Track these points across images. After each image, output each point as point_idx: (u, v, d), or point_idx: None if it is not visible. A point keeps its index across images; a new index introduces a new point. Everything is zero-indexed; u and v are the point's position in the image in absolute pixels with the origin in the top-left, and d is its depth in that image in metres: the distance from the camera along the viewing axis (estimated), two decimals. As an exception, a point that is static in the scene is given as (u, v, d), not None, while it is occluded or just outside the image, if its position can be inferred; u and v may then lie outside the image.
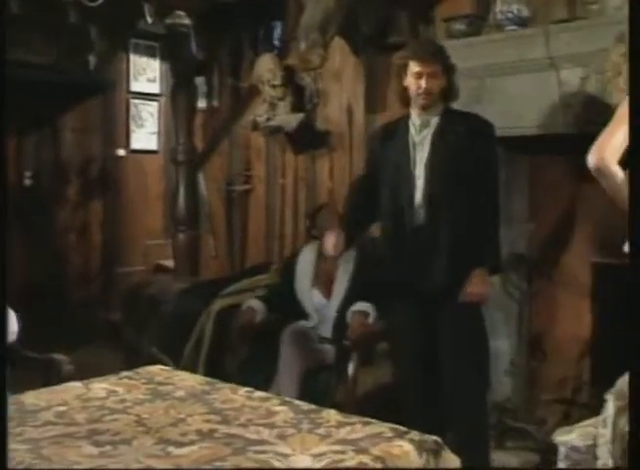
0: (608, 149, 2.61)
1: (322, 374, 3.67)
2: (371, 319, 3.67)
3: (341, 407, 3.07)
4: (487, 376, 3.38)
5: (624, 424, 1.55)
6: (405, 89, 3.27)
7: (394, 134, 3.33)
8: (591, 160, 2.61)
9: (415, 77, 3.19)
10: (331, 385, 3.63)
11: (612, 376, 1.72)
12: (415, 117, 3.29)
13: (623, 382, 1.66)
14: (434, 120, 3.25)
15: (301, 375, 3.59)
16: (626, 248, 1.66)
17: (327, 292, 3.90)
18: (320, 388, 3.60)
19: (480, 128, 3.25)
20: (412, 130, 3.29)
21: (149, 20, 3.92)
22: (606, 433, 1.62)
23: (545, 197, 3.88)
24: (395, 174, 3.28)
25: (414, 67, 3.18)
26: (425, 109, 3.23)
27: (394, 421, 2.15)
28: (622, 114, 2.64)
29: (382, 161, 3.37)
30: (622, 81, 2.85)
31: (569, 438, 1.79)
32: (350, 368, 3.57)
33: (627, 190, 2.51)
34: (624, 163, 2.60)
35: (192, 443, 1.95)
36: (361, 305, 3.70)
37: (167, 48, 5.94)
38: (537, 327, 3.85)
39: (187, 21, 3.94)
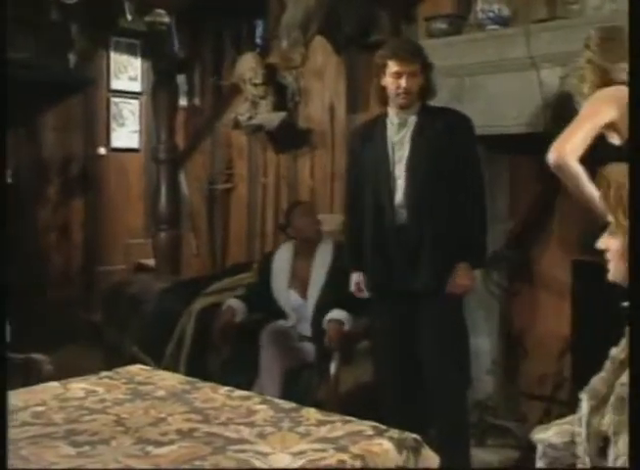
0: (567, 146, 2.69)
1: (304, 373, 3.67)
2: (347, 327, 3.63)
3: (323, 406, 3.08)
4: (468, 373, 3.39)
5: (599, 423, 1.55)
6: (383, 88, 3.27)
7: (373, 134, 3.33)
8: (550, 157, 2.71)
9: (394, 77, 3.19)
10: (313, 384, 3.62)
11: (591, 374, 1.73)
12: (393, 116, 3.29)
13: (597, 380, 1.66)
14: (412, 119, 3.25)
15: (283, 374, 3.59)
16: (600, 244, 1.67)
17: (303, 292, 3.87)
18: (302, 387, 3.60)
19: (459, 123, 3.26)
20: (390, 130, 3.29)
21: (129, 17, 3.90)
22: (582, 431, 1.63)
23: (525, 195, 3.89)
24: (375, 174, 3.28)
25: (393, 66, 3.18)
26: (403, 108, 3.24)
27: (376, 419, 2.15)
28: (584, 114, 2.75)
29: (362, 161, 3.38)
30: (586, 88, 2.87)
31: (546, 435, 1.80)
32: (332, 367, 3.57)
33: (589, 187, 2.64)
34: (584, 160, 2.69)
35: (171, 442, 1.94)
36: (337, 314, 3.64)
37: (149, 46, 5.92)
38: (518, 325, 3.87)
39: (167, 19, 3.92)
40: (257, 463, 1.80)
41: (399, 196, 3.22)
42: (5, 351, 1.86)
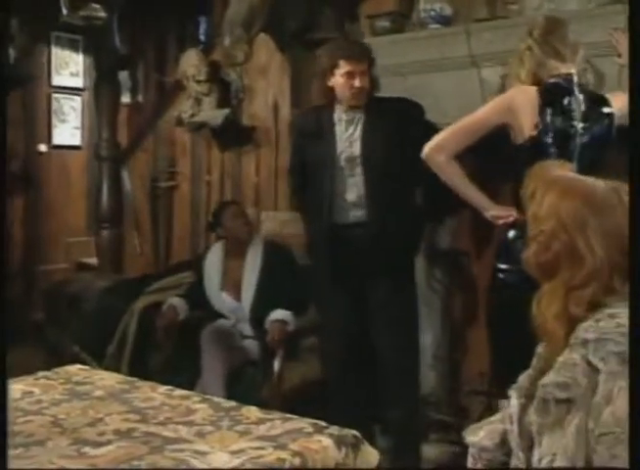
0: (436, 142, 2.85)
1: (247, 371, 3.65)
2: (291, 326, 3.62)
3: (266, 404, 3.08)
4: (418, 356, 3.44)
5: (530, 421, 1.56)
6: (331, 89, 3.26)
7: (317, 129, 3.32)
8: (423, 152, 2.86)
9: (347, 77, 3.18)
10: (256, 382, 3.61)
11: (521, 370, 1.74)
12: (341, 114, 3.28)
13: (524, 378, 1.68)
14: (360, 115, 3.25)
15: (226, 373, 3.55)
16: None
17: (236, 294, 3.83)
18: (245, 385, 3.58)
19: (409, 111, 3.29)
20: (338, 127, 3.28)
21: (64, 11, 3.82)
22: (514, 429, 1.65)
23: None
24: (319, 172, 3.28)
25: (345, 66, 3.17)
26: (355, 107, 3.24)
27: (321, 416, 2.16)
28: (475, 114, 2.87)
29: (305, 156, 3.37)
30: (523, 74, 2.92)
31: (477, 438, 1.81)
32: (276, 364, 3.56)
33: (463, 183, 2.85)
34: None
35: (109, 442, 1.92)
36: (280, 314, 3.63)
37: (90, 41, 5.83)
38: (459, 321, 3.91)
39: (102, 13, 3.85)
40: (195, 462, 1.79)
41: (353, 194, 3.22)
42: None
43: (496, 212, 2.84)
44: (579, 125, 2.76)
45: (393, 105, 3.29)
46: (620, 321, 1.46)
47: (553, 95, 2.78)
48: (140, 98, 5.63)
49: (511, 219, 2.77)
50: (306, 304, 3.81)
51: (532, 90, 2.78)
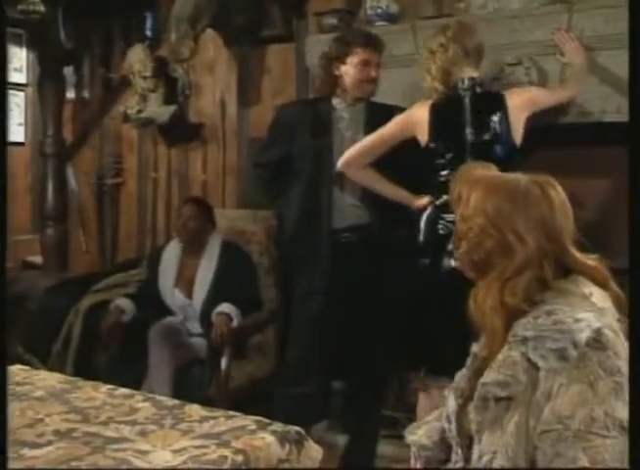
0: (346, 159, 3.09)
1: (194, 369, 3.63)
2: (235, 322, 3.62)
3: (213, 402, 3.07)
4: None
5: (469, 420, 1.57)
6: (336, 78, 3.23)
7: (312, 124, 3.27)
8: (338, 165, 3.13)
9: (362, 65, 3.17)
10: (204, 380, 3.59)
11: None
12: (342, 111, 3.25)
13: (460, 377, 1.68)
14: (363, 115, 3.24)
15: (173, 371, 3.53)
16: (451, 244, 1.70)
17: (188, 291, 3.81)
18: (192, 383, 3.56)
19: None
20: (340, 125, 3.25)
21: (-1, 5, 3.71)
22: (452, 428, 1.66)
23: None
24: (314, 170, 3.25)
25: (362, 54, 3.17)
26: (360, 99, 3.22)
27: (267, 413, 2.15)
28: (384, 129, 3.07)
29: (290, 150, 3.32)
30: (428, 80, 3.03)
31: (416, 437, 1.83)
32: (223, 362, 3.54)
33: (385, 186, 3.10)
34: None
35: (48, 443, 1.90)
36: (225, 307, 3.62)
37: (34, 36, 5.71)
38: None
39: (41, 7, 3.76)
40: (137, 462, 1.77)
41: (351, 195, 3.22)
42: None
43: (417, 202, 3.03)
44: (468, 131, 2.89)
45: (392, 111, 3.25)
46: (557, 318, 1.48)
47: (441, 108, 2.95)
48: (85, 94, 5.52)
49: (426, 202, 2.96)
50: (260, 303, 3.81)
51: (426, 105, 2.97)
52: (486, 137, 2.89)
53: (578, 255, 1.58)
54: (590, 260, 1.58)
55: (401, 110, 3.32)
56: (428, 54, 3.02)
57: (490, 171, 1.70)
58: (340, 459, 3.37)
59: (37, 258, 5.60)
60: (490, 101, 2.94)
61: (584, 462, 1.39)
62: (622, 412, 1.42)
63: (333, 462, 3.27)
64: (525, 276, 1.53)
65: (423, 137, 2.95)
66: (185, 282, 3.83)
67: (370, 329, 3.29)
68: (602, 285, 1.58)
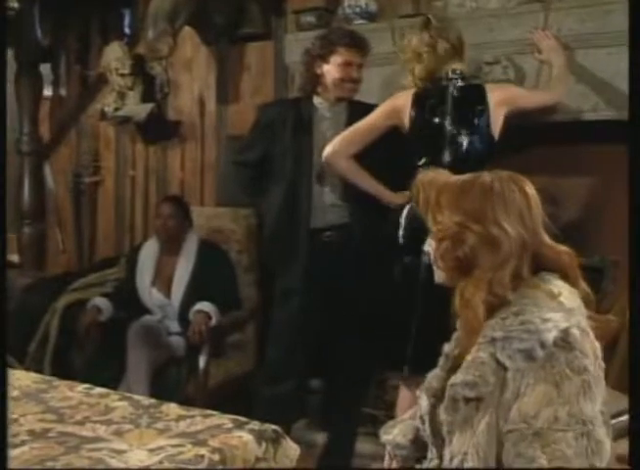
0: (332, 148, 3.05)
1: (172, 368, 3.62)
2: (214, 320, 3.61)
3: (192, 401, 3.06)
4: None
5: (444, 418, 1.58)
6: (318, 77, 3.22)
7: (293, 123, 3.25)
8: (323, 156, 3.08)
9: (343, 66, 3.15)
10: (182, 378, 3.58)
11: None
12: (324, 110, 3.24)
13: (432, 377, 1.69)
14: (345, 115, 3.23)
15: (151, 370, 3.51)
16: (425, 246, 1.70)
17: (166, 291, 3.79)
18: (171, 382, 3.55)
19: None
20: (321, 124, 3.23)
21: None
22: (425, 428, 1.66)
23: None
24: (295, 169, 3.23)
25: (345, 54, 3.15)
26: (341, 100, 3.21)
27: (246, 411, 2.15)
28: (366, 119, 3.06)
29: (271, 149, 3.30)
30: (409, 77, 3.05)
31: (391, 436, 1.83)
32: (201, 361, 3.53)
33: (364, 180, 3.07)
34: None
35: (22, 443, 1.87)
36: (203, 305, 3.61)
37: (9, 33, 5.66)
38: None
39: (15, 4, 3.72)
40: (112, 461, 1.76)
41: (331, 195, 3.21)
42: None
43: (393, 200, 3.04)
44: (448, 122, 2.92)
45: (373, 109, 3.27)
46: (525, 318, 1.49)
47: (423, 97, 2.97)
48: (62, 91, 5.47)
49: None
50: (239, 301, 3.80)
51: (410, 93, 2.99)
52: (465, 129, 2.90)
53: (553, 244, 1.61)
54: (564, 251, 1.60)
55: None
56: (411, 55, 3.00)
57: (451, 176, 1.71)
58: (318, 458, 3.37)
59: (14, 257, 5.56)
60: (472, 94, 2.95)
61: (542, 461, 1.40)
62: (590, 410, 1.43)
63: (311, 461, 3.27)
64: (510, 267, 1.55)
65: (405, 125, 2.98)
66: (163, 281, 3.81)
67: (350, 328, 3.29)
68: (572, 283, 1.59)
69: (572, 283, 1.59)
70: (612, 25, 3.05)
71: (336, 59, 3.16)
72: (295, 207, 3.22)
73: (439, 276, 1.66)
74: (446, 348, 1.69)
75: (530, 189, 1.61)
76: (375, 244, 3.20)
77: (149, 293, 3.81)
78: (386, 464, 1.88)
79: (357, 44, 3.19)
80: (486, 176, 1.62)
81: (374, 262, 3.29)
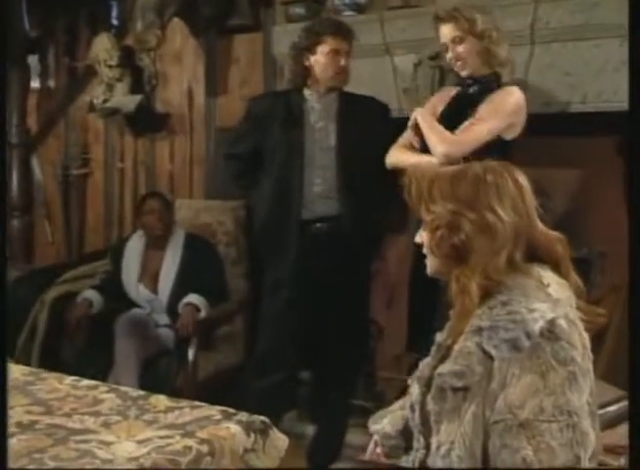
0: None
1: (161, 360, 3.61)
2: (203, 313, 3.61)
3: (181, 393, 3.05)
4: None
5: (432, 408, 1.58)
6: (307, 68, 3.20)
7: (284, 115, 3.24)
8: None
9: (332, 55, 3.13)
10: (171, 371, 3.57)
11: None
12: (314, 102, 3.22)
13: (424, 366, 1.69)
14: (335, 106, 3.21)
15: (140, 363, 3.51)
16: (417, 238, 1.69)
17: (153, 286, 3.79)
18: (160, 374, 3.54)
19: (379, 111, 3.27)
20: (311, 116, 3.22)
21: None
22: (415, 417, 1.66)
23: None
24: (283, 161, 3.22)
25: (332, 43, 3.12)
26: (333, 90, 3.19)
27: (235, 404, 2.15)
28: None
29: (262, 142, 3.29)
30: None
31: (380, 426, 1.84)
32: (190, 353, 3.53)
33: None
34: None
35: (11, 435, 1.86)
36: (192, 298, 3.62)
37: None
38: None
39: (3, -6, 3.70)
40: (100, 453, 1.76)
41: (321, 186, 3.19)
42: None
43: None
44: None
45: (365, 101, 3.25)
46: (512, 308, 1.49)
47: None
48: (51, 83, 5.44)
49: None
50: (227, 294, 3.80)
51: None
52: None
53: (547, 230, 1.61)
54: (557, 238, 1.60)
55: (375, 100, 3.33)
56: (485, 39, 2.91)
57: (442, 167, 1.72)
58: (307, 449, 3.38)
59: (2, 250, 5.54)
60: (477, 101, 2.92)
61: (528, 452, 1.40)
62: (576, 402, 1.44)
63: (300, 452, 3.28)
64: (505, 252, 1.55)
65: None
66: (149, 277, 3.81)
67: (339, 319, 3.29)
68: (564, 273, 1.60)
69: (564, 274, 1.59)
70: (600, 18, 3.05)
71: (323, 48, 3.15)
72: (285, 198, 3.22)
73: (432, 266, 1.66)
74: (439, 337, 1.69)
75: (521, 177, 1.61)
76: (365, 235, 3.20)
77: (136, 289, 3.80)
78: (368, 454, 1.88)
79: (343, 32, 3.18)
80: (478, 166, 1.62)
81: (364, 254, 3.30)
